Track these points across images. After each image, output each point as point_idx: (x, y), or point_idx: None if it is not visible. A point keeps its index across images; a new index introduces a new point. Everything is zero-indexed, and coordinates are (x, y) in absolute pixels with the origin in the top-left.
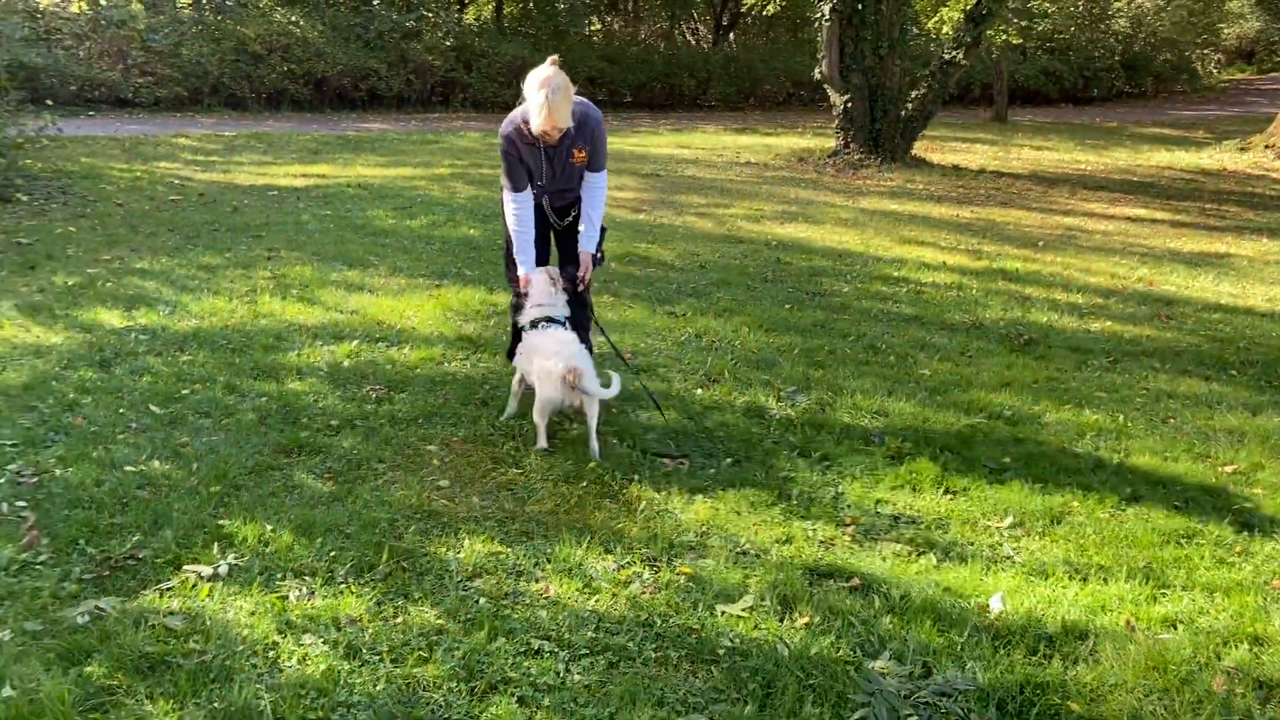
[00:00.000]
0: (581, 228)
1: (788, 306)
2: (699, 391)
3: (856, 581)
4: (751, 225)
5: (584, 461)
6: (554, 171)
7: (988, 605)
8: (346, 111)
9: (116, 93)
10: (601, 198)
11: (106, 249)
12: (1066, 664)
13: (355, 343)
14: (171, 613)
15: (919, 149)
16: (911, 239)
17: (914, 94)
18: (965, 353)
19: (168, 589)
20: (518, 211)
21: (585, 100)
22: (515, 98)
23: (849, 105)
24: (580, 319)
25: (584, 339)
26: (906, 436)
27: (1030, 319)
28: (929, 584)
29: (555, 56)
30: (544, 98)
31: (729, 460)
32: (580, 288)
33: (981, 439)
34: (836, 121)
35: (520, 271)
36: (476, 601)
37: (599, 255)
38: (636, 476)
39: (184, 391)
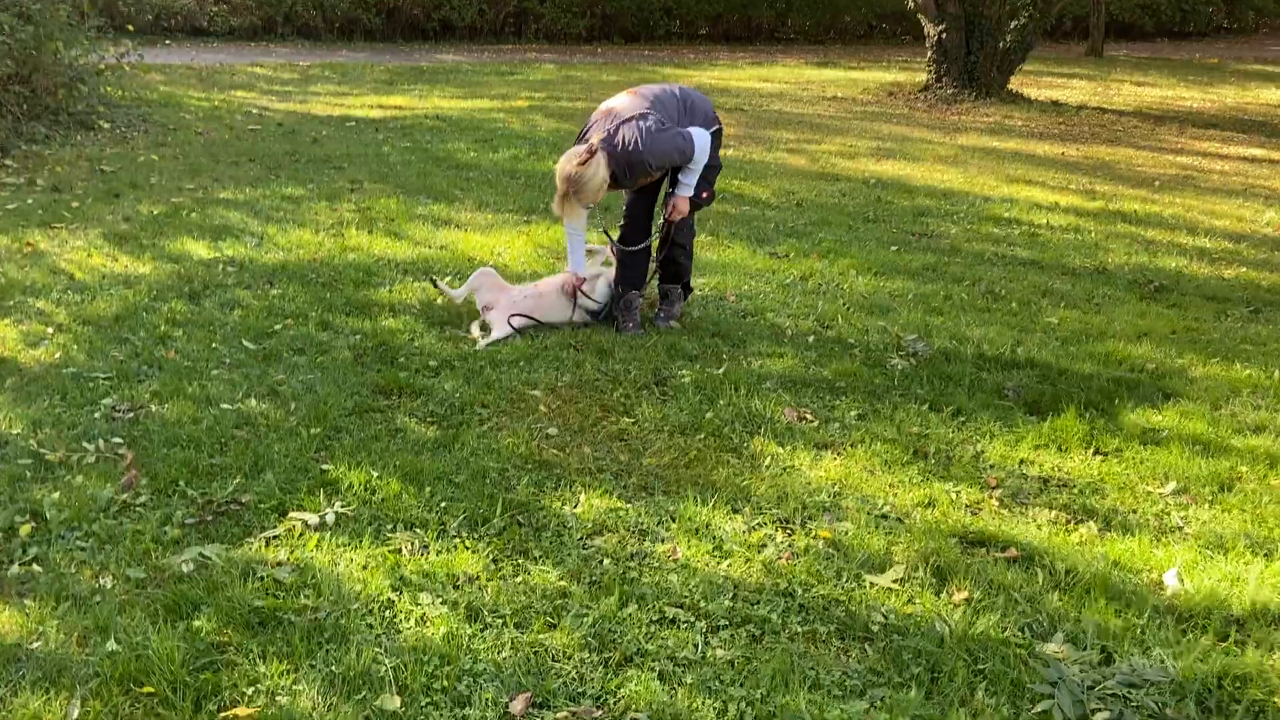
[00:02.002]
0: (680, 178)
1: (894, 248)
2: (811, 338)
3: (1014, 552)
4: (846, 162)
5: (699, 412)
6: (632, 189)
7: (1162, 582)
8: (419, 42)
9: (192, 21)
10: (697, 159)
11: (189, 178)
12: (1263, 652)
13: (448, 278)
14: (280, 564)
15: (1014, 84)
16: (1018, 178)
17: (1013, 24)
18: (1092, 299)
19: (274, 538)
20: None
21: (626, 133)
22: (590, 28)
23: (943, 36)
24: (672, 259)
25: (672, 278)
26: (1043, 390)
27: (1157, 264)
28: (1095, 557)
29: (595, 143)
30: (558, 194)
31: (854, 414)
32: (668, 229)
33: (1126, 394)
34: (929, 54)
35: (568, 268)
36: (600, 562)
37: (705, 196)
38: (757, 429)
39: (276, 327)
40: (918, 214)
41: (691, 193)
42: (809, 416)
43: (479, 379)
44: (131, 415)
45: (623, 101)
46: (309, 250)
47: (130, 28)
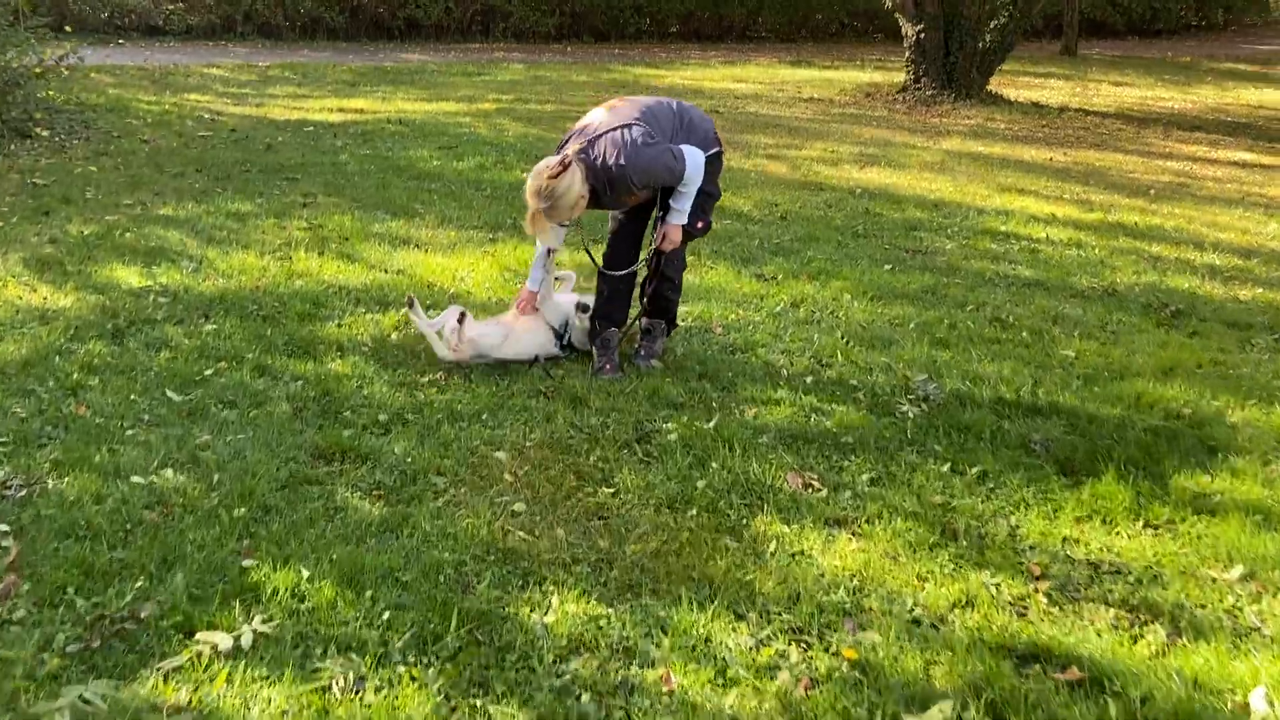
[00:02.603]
0: (671, 203)
1: (888, 267)
2: (809, 378)
3: (1075, 672)
4: (829, 169)
5: (689, 480)
6: (618, 209)
7: (1248, 706)
8: (383, 41)
9: (147, 20)
10: (689, 180)
11: (129, 192)
12: None
13: (404, 310)
14: (179, 709)
15: (993, 84)
16: (1009, 186)
17: (993, 24)
18: (1106, 327)
19: (175, 669)
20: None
21: (607, 148)
22: (559, 26)
23: (922, 36)
24: (660, 293)
25: (659, 313)
26: (1074, 445)
27: (1169, 284)
28: (1169, 674)
29: (569, 154)
30: (530, 211)
31: (867, 477)
32: (657, 259)
33: (1167, 448)
34: (907, 54)
35: (526, 285)
36: (578, 698)
37: (700, 226)
38: (758, 501)
39: (207, 372)
40: (909, 228)
41: (684, 220)
42: (815, 483)
43: (435, 437)
44: (24, 493)
45: (605, 114)
46: (252, 277)
47: (69, 28)
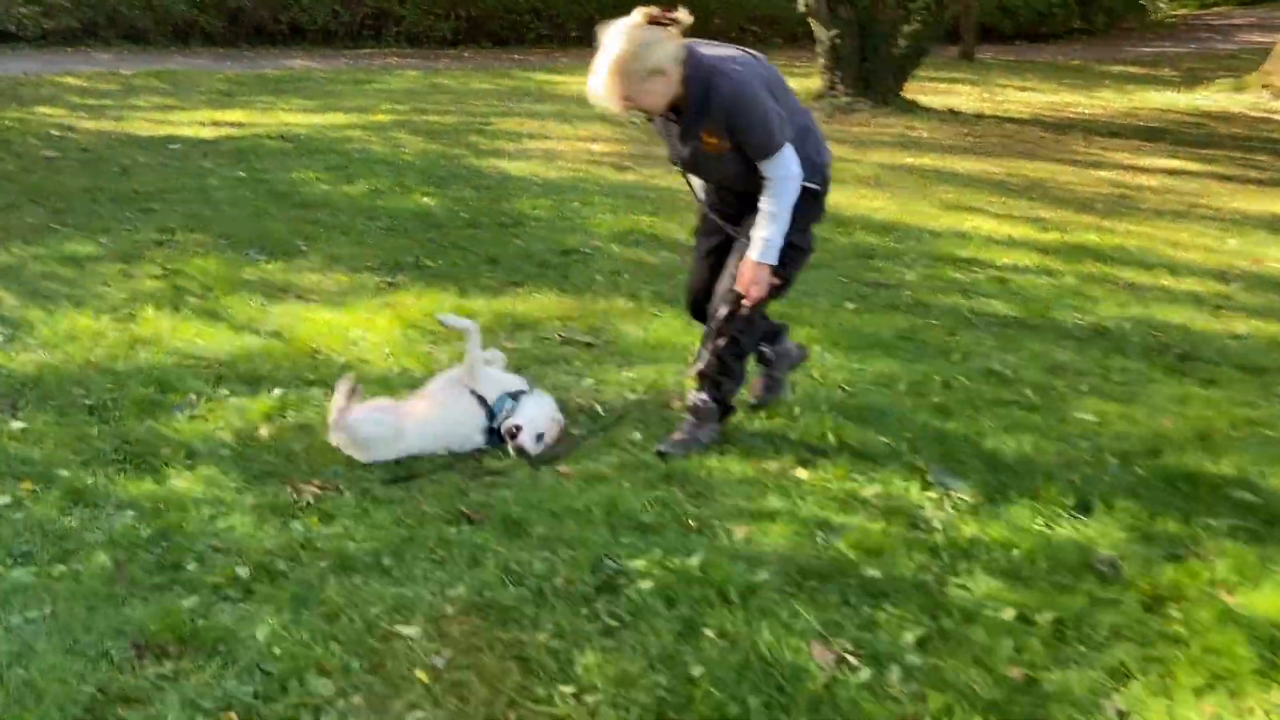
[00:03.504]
0: (758, 222)
1: (851, 306)
2: (802, 474)
3: None
4: None
5: (679, 664)
6: (686, 155)
7: None
8: (266, 47)
9: None
10: (777, 193)
11: None
12: None
13: (278, 391)
14: None
15: (907, 91)
16: (955, 204)
17: (906, 29)
18: (1109, 377)
19: None
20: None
21: (717, 59)
22: (455, 30)
23: (837, 42)
24: (720, 357)
25: (712, 385)
26: (1148, 559)
27: (1159, 318)
28: None
29: (652, 8)
30: (594, 65)
31: (911, 636)
32: (735, 309)
33: (1253, 556)
34: (821, 60)
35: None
36: None
37: (784, 274)
38: (780, 697)
39: (2, 500)
40: (863, 254)
41: (773, 257)
42: (851, 655)
43: (316, 605)
44: None
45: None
46: (82, 347)
47: None
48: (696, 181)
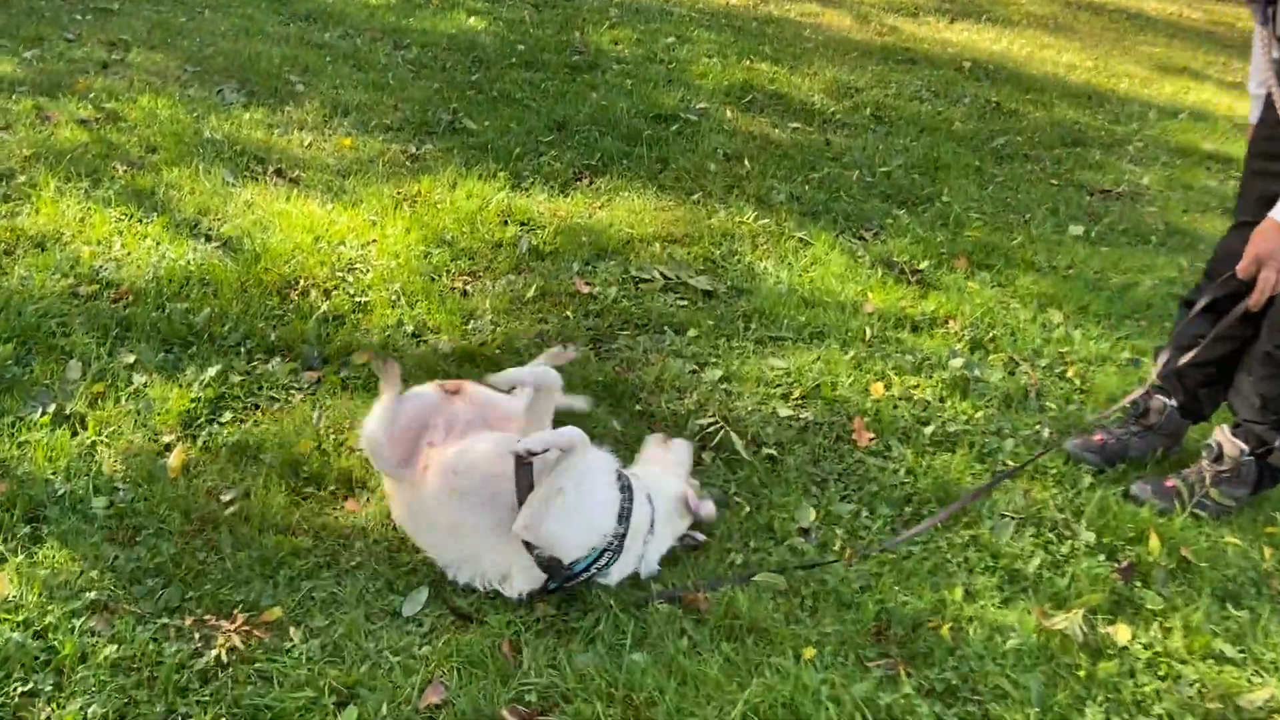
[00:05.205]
0: None
1: (1077, 230)
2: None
3: None
4: (910, 24)
5: None
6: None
7: None
8: None
9: None
10: None
11: None
12: None
13: (213, 370)
14: None
15: None
16: (1167, 64)
17: None
18: None
19: None
20: None
21: None
22: None
23: None
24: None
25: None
26: None
27: None
28: None
29: None
30: None
31: None
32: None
33: None
34: None
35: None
36: None
37: None
38: None
39: None
40: (1068, 140)
41: None
42: None
43: None
44: None
45: None
46: None
47: None
48: None
